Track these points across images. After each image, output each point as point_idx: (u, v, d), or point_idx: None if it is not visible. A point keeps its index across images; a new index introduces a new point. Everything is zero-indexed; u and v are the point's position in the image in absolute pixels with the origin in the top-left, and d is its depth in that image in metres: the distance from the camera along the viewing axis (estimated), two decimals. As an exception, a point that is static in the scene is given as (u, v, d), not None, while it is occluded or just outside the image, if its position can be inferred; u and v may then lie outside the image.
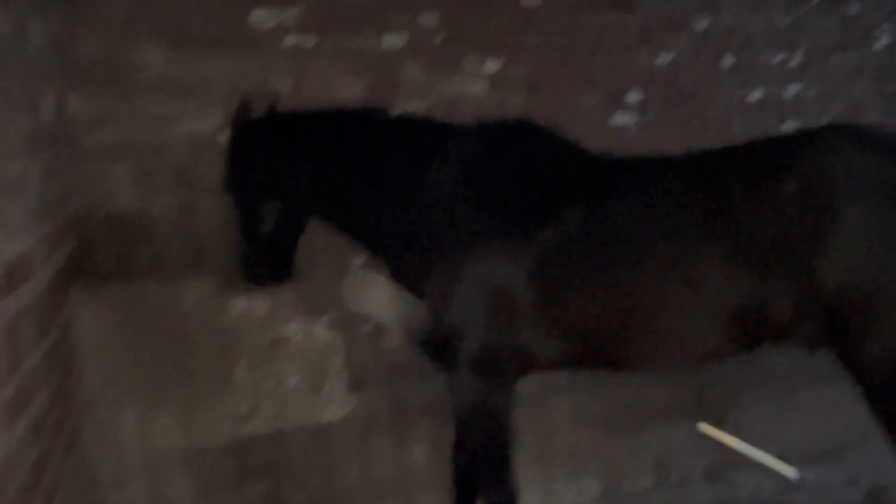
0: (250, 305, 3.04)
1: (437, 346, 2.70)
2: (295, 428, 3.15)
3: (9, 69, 2.27)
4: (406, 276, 2.71)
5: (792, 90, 4.78)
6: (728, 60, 4.56)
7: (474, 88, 3.96)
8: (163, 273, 3.13)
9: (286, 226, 2.93)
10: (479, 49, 3.93)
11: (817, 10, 4.81)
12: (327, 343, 3.01)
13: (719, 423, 4.31)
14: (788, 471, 4.14)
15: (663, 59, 4.39)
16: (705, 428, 4.24)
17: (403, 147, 2.78)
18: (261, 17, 3.49)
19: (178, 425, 3.00)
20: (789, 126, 4.81)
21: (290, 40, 3.57)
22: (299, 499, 3.12)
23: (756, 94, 4.68)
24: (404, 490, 3.61)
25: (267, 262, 2.89)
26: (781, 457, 4.20)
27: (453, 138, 2.81)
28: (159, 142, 3.37)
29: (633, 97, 4.34)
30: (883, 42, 5.04)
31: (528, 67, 4.05)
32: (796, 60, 4.79)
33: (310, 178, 2.83)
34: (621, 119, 4.33)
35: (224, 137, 3.05)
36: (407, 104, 3.83)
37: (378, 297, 2.86)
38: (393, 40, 3.76)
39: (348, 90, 3.72)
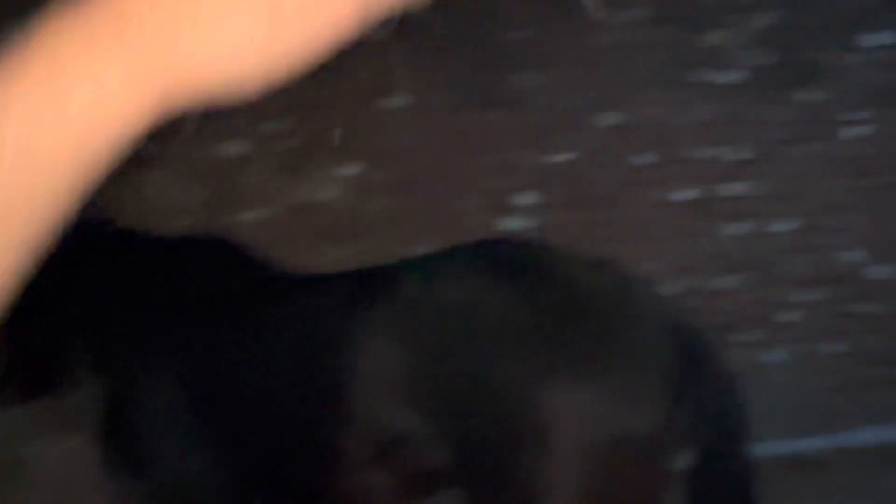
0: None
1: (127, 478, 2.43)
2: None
3: None
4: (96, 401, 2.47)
5: (736, 188, 4.19)
6: (645, 158, 4.10)
7: (328, 194, 3.78)
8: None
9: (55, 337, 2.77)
10: (333, 153, 3.77)
11: (765, 100, 4.27)
12: (78, 464, 2.78)
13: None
14: None
15: (561, 158, 4.02)
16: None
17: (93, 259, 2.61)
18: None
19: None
20: (738, 228, 4.20)
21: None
22: None
23: (686, 194, 4.14)
24: None
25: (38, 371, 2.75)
26: None
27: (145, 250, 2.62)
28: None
29: (523, 199, 3.97)
30: (859, 131, 4.36)
31: (392, 171, 3.83)
32: (741, 155, 4.23)
33: None
34: (510, 223, 3.95)
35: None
36: (251, 212, 3.72)
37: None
38: (235, 147, 3.70)
39: (183, 200, 3.66)
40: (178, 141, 2.70)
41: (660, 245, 4.03)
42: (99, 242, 2.62)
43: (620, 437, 1.74)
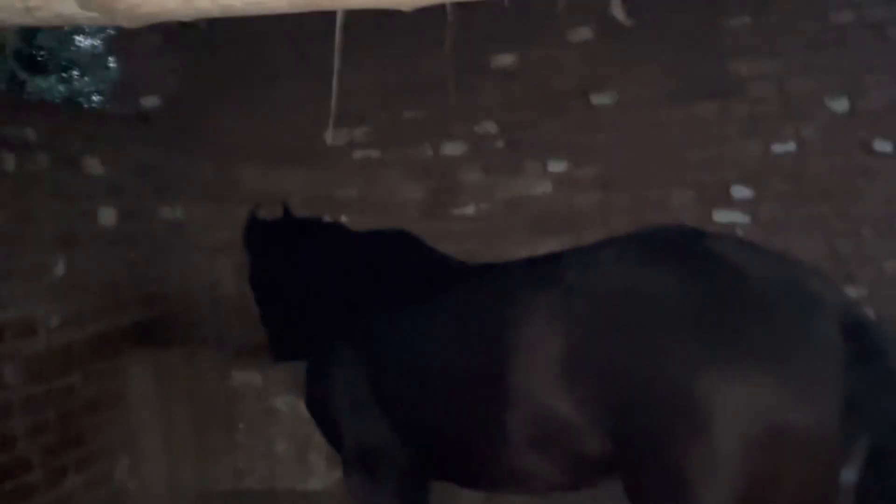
0: (248, 377, 3.49)
1: (330, 442, 2.79)
2: (284, 490, 3.43)
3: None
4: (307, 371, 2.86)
5: None
6: (883, 146, 3.74)
7: (538, 190, 3.98)
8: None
9: (284, 314, 3.23)
10: (541, 151, 3.96)
11: None
12: (309, 418, 3.27)
13: None
14: None
15: (781, 149, 3.81)
16: None
17: (313, 251, 3.00)
18: (334, 136, 4.12)
19: (195, 471, 3.53)
20: None
21: (358, 154, 4.12)
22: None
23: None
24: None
25: (280, 341, 3.27)
26: None
27: (347, 243, 2.97)
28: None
29: (740, 193, 3.83)
30: None
31: (599, 167, 3.92)
32: None
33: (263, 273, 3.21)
34: (726, 217, 3.84)
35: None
36: (468, 206, 4.04)
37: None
38: (452, 148, 4.05)
39: (411, 194, 4.08)
40: (403, 145, 3.11)
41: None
42: (314, 240, 3.06)
43: (784, 429, 1.63)
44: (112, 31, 4.53)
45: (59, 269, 3.22)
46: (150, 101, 4.22)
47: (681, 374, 1.74)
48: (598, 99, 3.95)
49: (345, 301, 2.71)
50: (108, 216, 3.55)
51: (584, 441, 1.97)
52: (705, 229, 2.17)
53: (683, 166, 3.87)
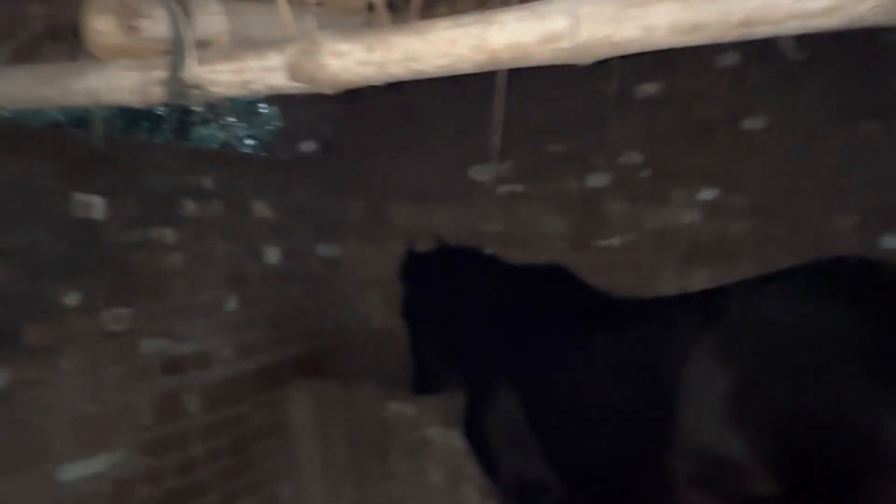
0: (402, 407, 3.59)
1: (486, 473, 2.84)
2: (438, 521, 3.49)
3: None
4: (464, 402, 2.93)
5: None
6: None
7: (687, 219, 3.88)
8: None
9: (438, 345, 3.34)
10: (689, 180, 3.87)
11: None
12: (462, 450, 3.32)
13: None
14: None
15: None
16: None
17: (469, 283, 3.07)
18: (478, 173, 4.22)
19: (353, 498, 3.66)
20: None
21: (503, 188, 4.18)
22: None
23: None
24: None
25: (425, 375, 3.37)
26: None
27: (504, 277, 3.02)
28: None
29: (910, 216, 3.58)
30: None
31: (752, 193, 3.78)
32: None
33: (431, 303, 3.30)
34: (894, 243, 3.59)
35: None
36: (614, 238, 4.00)
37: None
38: (597, 180, 4.04)
39: (556, 227, 4.10)
40: (547, 178, 3.20)
41: None
42: (472, 272, 3.15)
43: None
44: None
45: (231, 305, 3.48)
46: (308, 147, 4.49)
47: (865, 415, 1.67)
48: (750, 124, 3.82)
49: (503, 333, 2.77)
50: (272, 255, 3.80)
51: (752, 481, 1.92)
52: (876, 258, 2.06)
53: (845, 190, 3.67)
